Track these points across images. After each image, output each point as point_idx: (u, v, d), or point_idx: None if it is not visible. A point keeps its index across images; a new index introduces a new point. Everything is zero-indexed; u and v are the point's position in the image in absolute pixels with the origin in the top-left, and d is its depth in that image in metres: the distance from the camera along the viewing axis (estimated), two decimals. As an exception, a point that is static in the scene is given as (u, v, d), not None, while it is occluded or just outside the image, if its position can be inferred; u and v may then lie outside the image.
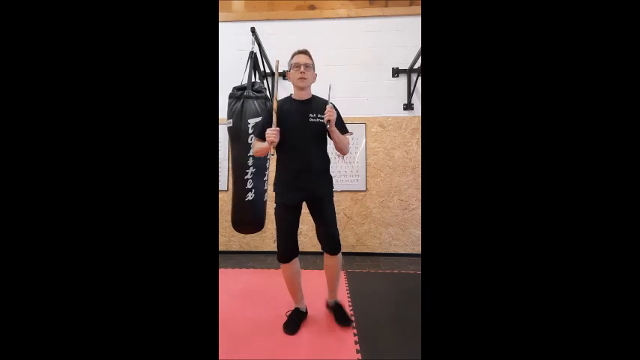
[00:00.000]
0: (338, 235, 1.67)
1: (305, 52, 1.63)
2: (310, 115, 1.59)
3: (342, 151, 1.66)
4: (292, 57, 1.64)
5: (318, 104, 1.64)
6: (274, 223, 1.66)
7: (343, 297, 2.07)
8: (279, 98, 1.65)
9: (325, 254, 1.69)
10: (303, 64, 1.58)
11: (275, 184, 1.68)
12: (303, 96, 1.64)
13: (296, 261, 1.67)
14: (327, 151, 1.70)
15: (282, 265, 1.66)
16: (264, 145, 1.58)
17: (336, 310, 1.75)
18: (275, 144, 1.53)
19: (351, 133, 3.39)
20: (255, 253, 3.31)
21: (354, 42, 3.41)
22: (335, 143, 1.63)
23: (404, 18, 3.37)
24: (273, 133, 1.52)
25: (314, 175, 1.61)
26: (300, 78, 1.58)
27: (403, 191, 3.30)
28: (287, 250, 1.63)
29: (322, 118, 1.58)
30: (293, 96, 1.66)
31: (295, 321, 1.67)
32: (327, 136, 1.66)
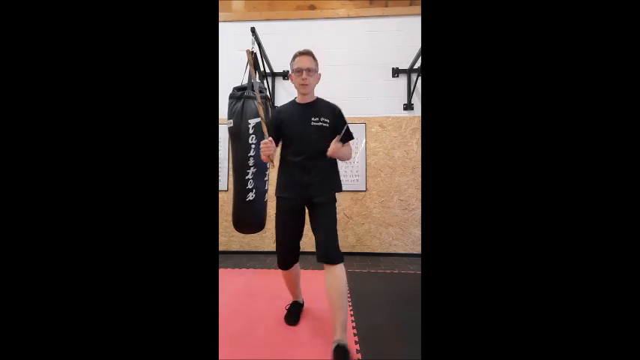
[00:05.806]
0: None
1: (308, 54, 1.47)
2: (312, 119, 1.47)
3: (343, 159, 1.57)
4: (294, 58, 1.48)
5: (322, 107, 1.53)
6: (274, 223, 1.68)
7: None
8: (278, 99, 1.66)
9: (326, 265, 1.44)
10: (305, 68, 1.44)
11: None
12: (306, 99, 1.53)
13: (296, 265, 1.71)
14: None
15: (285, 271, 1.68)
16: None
17: (337, 356, 1.26)
18: (272, 157, 1.42)
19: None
20: (255, 253, 3.31)
21: (354, 42, 3.41)
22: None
23: (404, 18, 3.37)
24: (266, 145, 1.39)
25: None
26: (303, 84, 1.45)
27: (403, 191, 3.30)
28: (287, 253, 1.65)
29: (326, 122, 1.47)
30: (297, 100, 1.56)
31: (295, 312, 1.78)
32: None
